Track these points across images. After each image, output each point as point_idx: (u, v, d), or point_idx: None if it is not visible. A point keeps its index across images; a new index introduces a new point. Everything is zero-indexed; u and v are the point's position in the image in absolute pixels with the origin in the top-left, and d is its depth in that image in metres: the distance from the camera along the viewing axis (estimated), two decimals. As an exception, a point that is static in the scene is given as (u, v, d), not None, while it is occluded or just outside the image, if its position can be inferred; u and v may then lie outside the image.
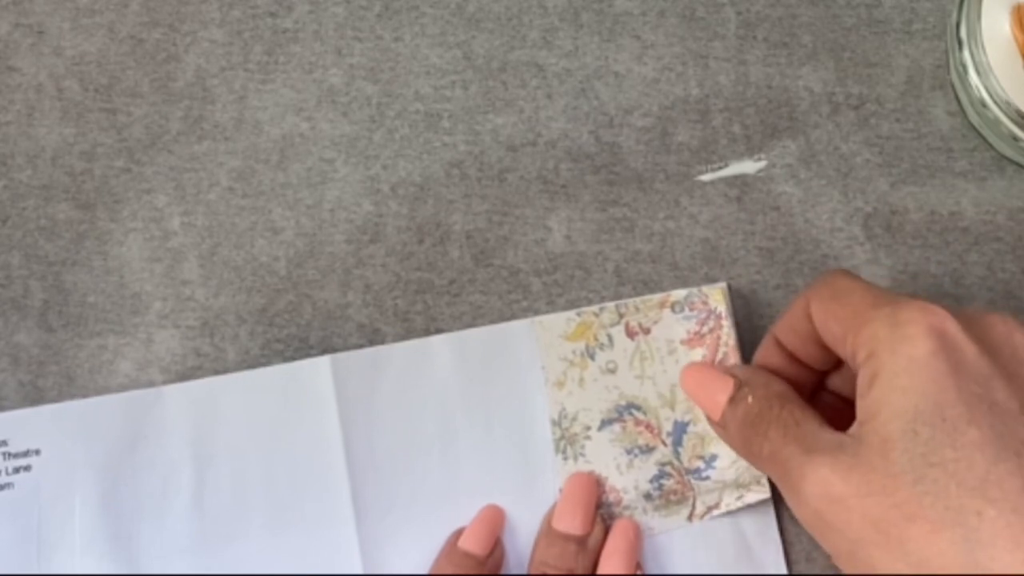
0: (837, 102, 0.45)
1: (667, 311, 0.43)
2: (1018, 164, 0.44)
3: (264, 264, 0.44)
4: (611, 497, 0.42)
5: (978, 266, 0.43)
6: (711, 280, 0.44)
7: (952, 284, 0.43)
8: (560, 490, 0.42)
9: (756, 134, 0.45)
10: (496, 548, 0.41)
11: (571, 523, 0.41)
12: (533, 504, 0.42)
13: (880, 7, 0.46)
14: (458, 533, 0.41)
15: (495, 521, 0.42)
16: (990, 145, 0.44)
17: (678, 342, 0.43)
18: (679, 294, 0.43)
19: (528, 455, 0.42)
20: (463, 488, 0.42)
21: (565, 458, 0.42)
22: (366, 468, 0.42)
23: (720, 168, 0.45)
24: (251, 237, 0.44)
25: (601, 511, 0.42)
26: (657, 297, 0.43)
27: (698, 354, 0.43)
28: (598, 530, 0.41)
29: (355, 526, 0.41)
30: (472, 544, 0.41)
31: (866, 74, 0.45)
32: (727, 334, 0.43)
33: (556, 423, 0.43)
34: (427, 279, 0.44)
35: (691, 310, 0.43)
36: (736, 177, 0.45)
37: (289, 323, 0.44)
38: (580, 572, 0.40)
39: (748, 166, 0.45)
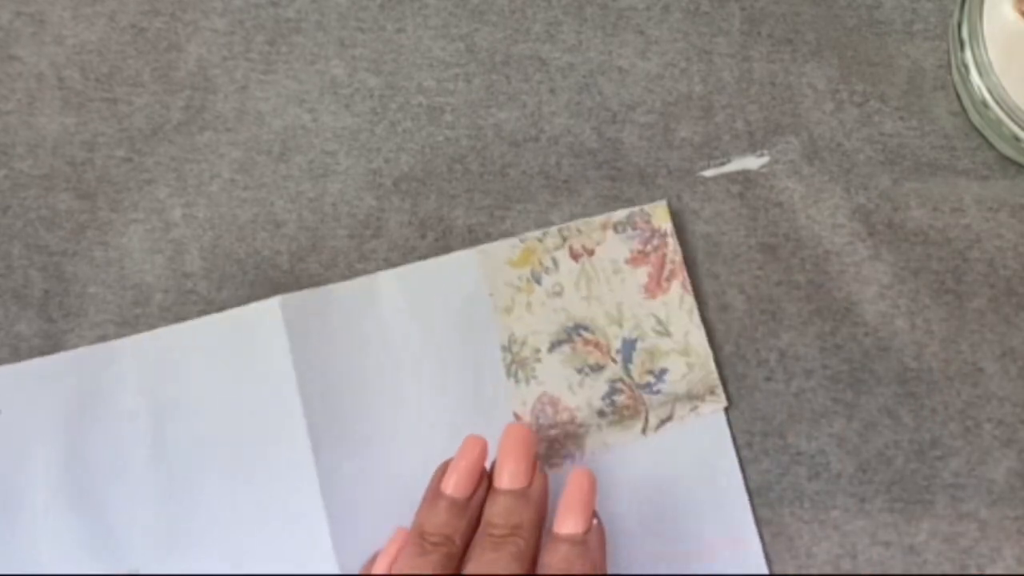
0: (840, 99, 0.45)
1: (610, 232, 0.44)
2: (1020, 164, 0.44)
3: (267, 258, 0.44)
4: (564, 416, 0.42)
5: (980, 263, 0.44)
6: (713, 276, 0.44)
7: (954, 281, 0.44)
8: (514, 414, 0.42)
9: (759, 130, 0.45)
10: (480, 487, 0.40)
11: (512, 480, 0.39)
12: (489, 429, 0.41)
13: (881, 8, 0.46)
14: (443, 468, 0.40)
15: (475, 457, 0.40)
16: (992, 145, 0.44)
17: (622, 261, 0.43)
18: (621, 214, 0.44)
19: (480, 382, 0.42)
20: (419, 420, 0.42)
21: (517, 381, 0.43)
22: (321, 407, 0.42)
23: (723, 164, 0.45)
24: (253, 230, 0.44)
25: (555, 431, 0.42)
26: (599, 218, 0.44)
27: (643, 272, 0.43)
28: (539, 480, 0.40)
29: (314, 466, 0.41)
30: (454, 488, 0.39)
31: (869, 72, 0.45)
32: (673, 251, 0.43)
33: (506, 348, 0.43)
34: (430, 273, 0.44)
35: (633, 229, 0.43)
36: (739, 173, 0.45)
37: (293, 316, 0.44)
38: (527, 526, 0.39)
39: (751, 162, 0.45)
